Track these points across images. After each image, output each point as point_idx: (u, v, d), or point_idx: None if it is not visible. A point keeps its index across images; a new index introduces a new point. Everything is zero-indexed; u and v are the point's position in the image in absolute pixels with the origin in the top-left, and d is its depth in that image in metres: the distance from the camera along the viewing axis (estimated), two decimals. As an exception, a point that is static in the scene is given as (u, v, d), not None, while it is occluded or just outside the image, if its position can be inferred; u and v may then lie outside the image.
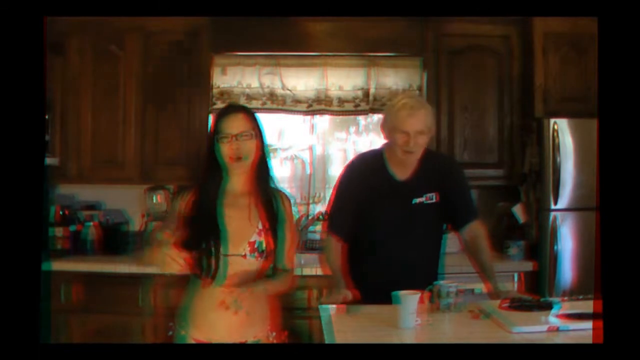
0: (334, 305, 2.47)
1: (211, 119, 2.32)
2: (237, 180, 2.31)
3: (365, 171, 2.77)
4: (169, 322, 2.33)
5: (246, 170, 2.30)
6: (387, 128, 2.69)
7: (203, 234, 2.22)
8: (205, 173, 2.29)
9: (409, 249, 2.70)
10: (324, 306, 2.56)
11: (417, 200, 2.72)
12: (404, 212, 2.71)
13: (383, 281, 2.60)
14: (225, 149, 2.24)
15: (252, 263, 2.27)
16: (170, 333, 2.31)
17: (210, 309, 2.23)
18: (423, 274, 2.66)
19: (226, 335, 2.24)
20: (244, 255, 2.25)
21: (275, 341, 2.33)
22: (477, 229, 2.79)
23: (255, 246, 2.27)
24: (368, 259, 2.72)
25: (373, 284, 2.64)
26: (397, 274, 2.64)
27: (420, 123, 2.62)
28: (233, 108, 2.37)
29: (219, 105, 4.13)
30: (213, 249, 2.21)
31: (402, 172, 2.73)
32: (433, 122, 2.74)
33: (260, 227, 2.29)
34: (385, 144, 2.78)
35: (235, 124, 2.26)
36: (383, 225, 2.71)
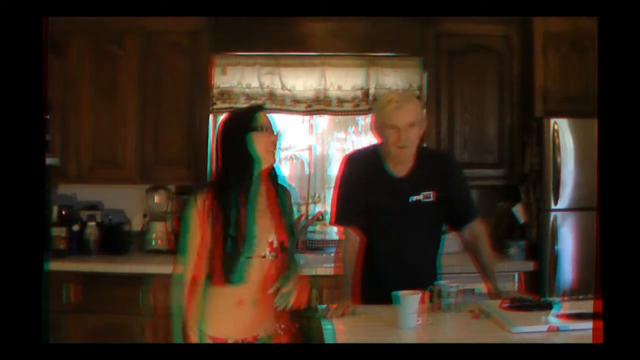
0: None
1: (234, 116, 2.34)
2: (257, 181, 2.31)
3: (363, 168, 2.75)
4: (187, 321, 2.33)
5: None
6: (377, 127, 2.67)
7: (230, 237, 2.22)
8: (237, 169, 2.25)
9: (406, 248, 2.69)
10: (323, 306, 2.56)
11: (414, 198, 2.69)
12: (401, 210, 2.69)
13: (381, 280, 2.61)
14: (264, 140, 2.26)
15: (270, 262, 2.30)
16: (187, 331, 2.30)
17: (229, 307, 2.26)
18: (420, 274, 2.65)
19: (242, 331, 2.28)
20: (264, 256, 2.28)
21: (284, 334, 2.37)
22: (477, 229, 2.78)
23: (275, 246, 2.29)
24: (366, 257, 2.71)
25: (371, 283, 2.64)
26: (394, 273, 2.63)
27: (409, 115, 2.59)
28: (259, 107, 2.42)
29: (219, 105, 4.13)
30: (233, 251, 2.22)
31: (398, 169, 2.70)
32: (423, 116, 2.71)
33: (275, 224, 2.30)
34: (379, 143, 2.75)
35: (268, 120, 2.32)
36: (380, 223, 2.69)
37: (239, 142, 2.25)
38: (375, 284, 2.62)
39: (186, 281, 2.26)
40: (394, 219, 2.69)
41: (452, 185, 2.74)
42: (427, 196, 2.69)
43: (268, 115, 2.35)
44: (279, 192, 2.36)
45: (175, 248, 4.06)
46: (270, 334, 2.34)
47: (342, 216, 2.74)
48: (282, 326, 2.37)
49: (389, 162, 2.70)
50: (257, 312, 2.28)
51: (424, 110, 4.09)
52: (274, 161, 2.32)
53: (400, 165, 2.70)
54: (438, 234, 2.83)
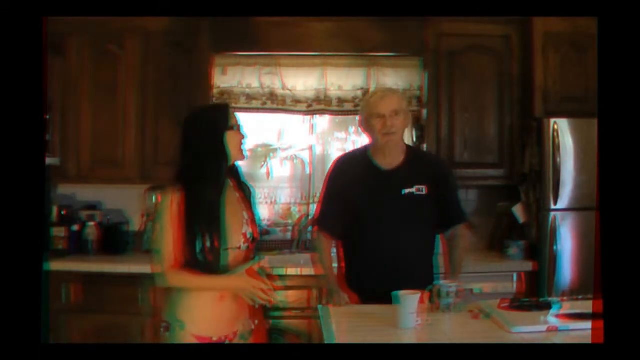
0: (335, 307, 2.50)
1: (209, 113, 2.42)
2: (225, 176, 2.37)
3: (352, 167, 2.79)
4: (161, 321, 2.33)
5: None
6: (364, 120, 2.75)
7: (207, 231, 2.24)
8: (210, 165, 2.30)
9: (401, 241, 2.68)
10: (320, 306, 2.57)
11: (407, 190, 2.70)
12: (393, 202, 2.70)
13: (378, 277, 2.63)
14: (237, 139, 2.34)
15: (244, 253, 2.34)
16: (163, 332, 2.31)
17: (211, 303, 2.26)
18: (417, 270, 2.67)
19: (224, 328, 2.28)
20: (239, 247, 2.32)
21: (260, 330, 2.39)
22: (462, 229, 2.82)
23: (248, 237, 2.35)
24: (361, 254, 2.72)
25: (368, 281, 2.65)
26: (391, 269, 2.64)
27: (393, 103, 2.69)
28: (228, 104, 2.50)
29: (219, 105, 4.13)
30: (211, 244, 2.24)
31: (388, 163, 2.75)
32: (407, 108, 2.80)
33: (246, 217, 2.37)
34: (369, 143, 2.81)
35: (238, 119, 2.38)
36: (373, 217, 2.70)
37: (215, 140, 2.31)
38: (371, 282, 2.63)
39: (169, 276, 2.26)
40: (387, 211, 2.69)
41: (443, 185, 2.77)
42: (419, 189, 2.71)
43: (235, 114, 2.41)
44: (243, 187, 2.44)
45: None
46: (248, 330, 2.35)
47: (323, 222, 2.80)
48: (256, 321, 2.39)
49: (378, 158, 2.75)
50: (237, 306, 2.29)
51: (424, 111, 4.11)
52: (244, 158, 2.39)
53: (390, 159, 2.74)
54: (433, 230, 2.82)
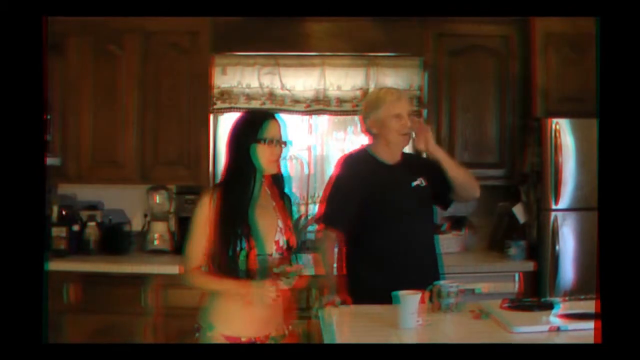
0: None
1: (241, 122, 2.38)
2: (260, 184, 2.37)
3: (360, 163, 2.84)
4: (194, 322, 2.35)
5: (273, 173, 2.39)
6: (378, 120, 2.78)
7: (235, 235, 2.25)
8: (238, 175, 2.31)
9: (416, 232, 2.77)
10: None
11: (415, 183, 2.81)
12: (406, 194, 2.78)
13: (394, 269, 2.69)
14: (268, 152, 2.30)
15: (278, 260, 2.33)
16: (197, 335, 2.33)
17: (238, 305, 2.26)
18: (429, 259, 2.79)
19: (255, 330, 2.30)
20: (271, 255, 2.31)
21: (292, 334, 2.43)
22: None
23: (280, 245, 2.34)
24: (375, 248, 2.74)
25: (386, 275, 2.68)
26: (406, 261, 2.70)
27: (408, 104, 2.83)
28: (271, 115, 2.42)
29: (219, 105, 4.13)
30: (240, 249, 2.25)
31: (391, 159, 2.83)
32: None
33: (280, 226, 2.36)
34: (369, 143, 2.87)
35: (277, 130, 2.34)
36: (390, 209, 2.75)
37: (242, 151, 2.31)
38: (382, 282, 2.61)
39: (191, 276, 2.30)
40: (403, 203, 2.76)
41: (437, 172, 2.82)
42: (421, 182, 2.83)
43: (280, 120, 2.38)
44: (283, 195, 2.43)
45: (175, 248, 4.11)
46: (281, 334, 2.38)
47: (333, 218, 2.79)
48: (290, 327, 2.42)
49: (381, 155, 2.82)
50: (268, 310, 2.29)
51: (424, 111, 4.10)
52: (277, 171, 2.38)
53: (393, 156, 2.84)
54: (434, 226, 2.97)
